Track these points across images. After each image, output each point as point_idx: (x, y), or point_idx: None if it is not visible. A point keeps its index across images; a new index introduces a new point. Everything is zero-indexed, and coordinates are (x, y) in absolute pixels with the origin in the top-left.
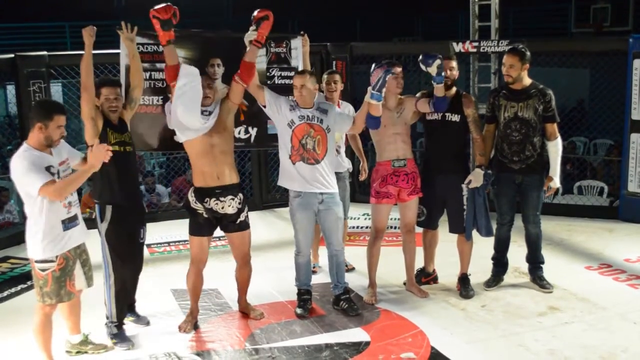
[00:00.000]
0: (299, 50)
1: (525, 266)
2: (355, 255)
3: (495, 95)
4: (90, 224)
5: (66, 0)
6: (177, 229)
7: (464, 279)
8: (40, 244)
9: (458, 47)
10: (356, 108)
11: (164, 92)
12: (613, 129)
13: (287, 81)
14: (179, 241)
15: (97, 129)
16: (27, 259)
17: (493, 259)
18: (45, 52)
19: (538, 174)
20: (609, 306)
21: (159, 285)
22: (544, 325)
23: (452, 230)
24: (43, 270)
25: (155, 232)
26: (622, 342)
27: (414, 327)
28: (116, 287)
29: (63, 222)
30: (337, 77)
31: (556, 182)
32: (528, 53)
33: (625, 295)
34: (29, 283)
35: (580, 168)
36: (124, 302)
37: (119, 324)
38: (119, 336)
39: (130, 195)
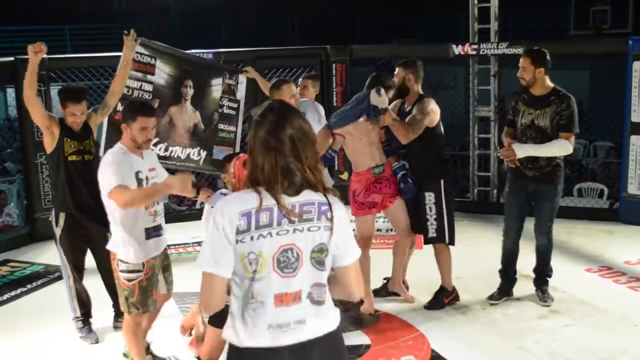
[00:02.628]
0: (244, 84)
1: (525, 268)
2: None
3: (517, 98)
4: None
5: (66, 4)
6: (177, 232)
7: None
8: (123, 248)
9: (457, 49)
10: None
11: None
12: (613, 131)
13: (231, 111)
14: (178, 244)
15: (53, 137)
16: (27, 262)
17: (499, 271)
18: (45, 55)
19: (552, 183)
20: (609, 309)
21: None
22: (544, 327)
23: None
24: (129, 280)
25: None
26: (622, 344)
27: (414, 330)
28: (76, 286)
29: (147, 230)
30: (309, 82)
31: (516, 150)
32: (546, 55)
33: (625, 297)
34: (28, 286)
35: (580, 170)
36: (87, 300)
37: (84, 319)
38: (84, 330)
39: (86, 204)
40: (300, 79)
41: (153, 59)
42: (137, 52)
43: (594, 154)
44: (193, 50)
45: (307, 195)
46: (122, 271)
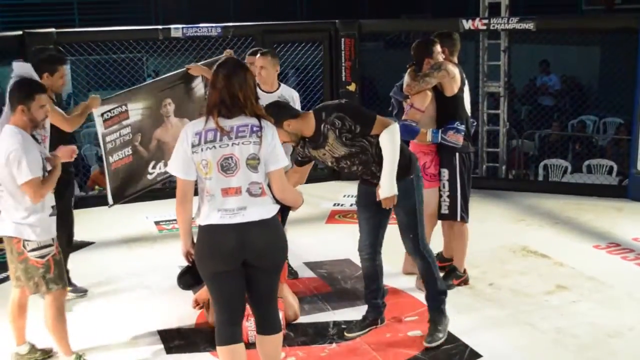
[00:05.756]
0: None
1: (534, 244)
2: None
3: (302, 146)
4: None
5: None
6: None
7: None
8: (32, 224)
9: (467, 24)
10: (365, 87)
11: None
12: (623, 107)
13: None
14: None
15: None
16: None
17: (365, 295)
18: (53, 29)
19: (399, 182)
20: (617, 285)
21: (167, 262)
22: (551, 304)
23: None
24: (43, 256)
25: (164, 210)
26: (629, 320)
27: (421, 305)
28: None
29: (53, 207)
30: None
31: (385, 191)
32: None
33: (632, 274)
34: None
35: (589, 147)
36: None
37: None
38: (72, 285)
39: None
40: (251, 57)
41: (123, 106)
42: (104, 113)
43: (603, 130)
44: (202, 25)
45: (243, 119)
46: (31, 250)
